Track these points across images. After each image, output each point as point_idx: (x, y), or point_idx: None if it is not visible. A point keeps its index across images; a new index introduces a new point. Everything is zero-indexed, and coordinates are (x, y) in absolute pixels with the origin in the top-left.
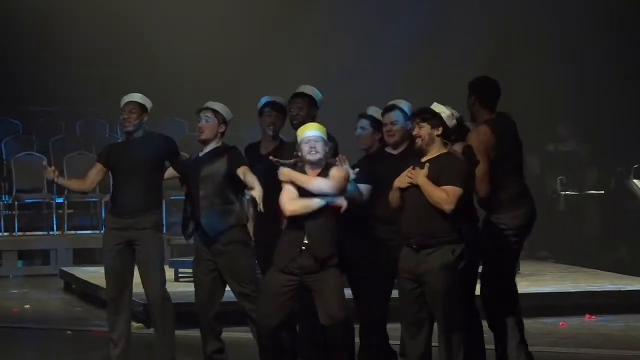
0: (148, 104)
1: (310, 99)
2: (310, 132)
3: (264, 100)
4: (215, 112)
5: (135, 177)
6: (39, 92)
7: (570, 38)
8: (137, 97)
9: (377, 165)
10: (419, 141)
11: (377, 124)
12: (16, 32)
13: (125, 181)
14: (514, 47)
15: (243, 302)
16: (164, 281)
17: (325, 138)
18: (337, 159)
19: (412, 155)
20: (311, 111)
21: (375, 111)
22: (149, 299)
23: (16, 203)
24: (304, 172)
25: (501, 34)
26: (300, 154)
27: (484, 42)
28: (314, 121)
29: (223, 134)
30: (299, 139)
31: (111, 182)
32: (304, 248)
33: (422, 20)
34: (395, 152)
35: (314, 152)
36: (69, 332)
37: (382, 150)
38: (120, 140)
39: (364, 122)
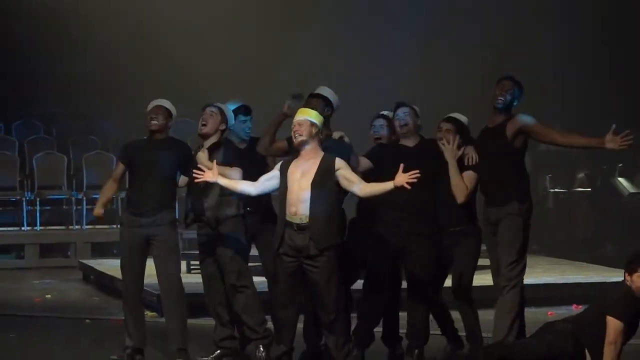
0: (173, 110)
1: (325, 100)
2: (296, 116)
3: None
4: (220, 109)
5: (154, 176)
6: (59, 95)
7: (562, 50)
8: (164, 102)
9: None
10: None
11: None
12: (36, 37)
13: (144, 180)
14: (509, 52)
15: (230, 292)
16: (179, 273)
17: (314, 121)
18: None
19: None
20: (324, 112)
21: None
22: (162, 289)
23: (38, 199)
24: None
25: (497, 40)
26: None
27: (478, 49)
28: (327, 122)
29: (222, 132)
30: None
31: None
32: (299, 229)
33: (423, 23)
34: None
35: (297, 135)
36: (88, 321)
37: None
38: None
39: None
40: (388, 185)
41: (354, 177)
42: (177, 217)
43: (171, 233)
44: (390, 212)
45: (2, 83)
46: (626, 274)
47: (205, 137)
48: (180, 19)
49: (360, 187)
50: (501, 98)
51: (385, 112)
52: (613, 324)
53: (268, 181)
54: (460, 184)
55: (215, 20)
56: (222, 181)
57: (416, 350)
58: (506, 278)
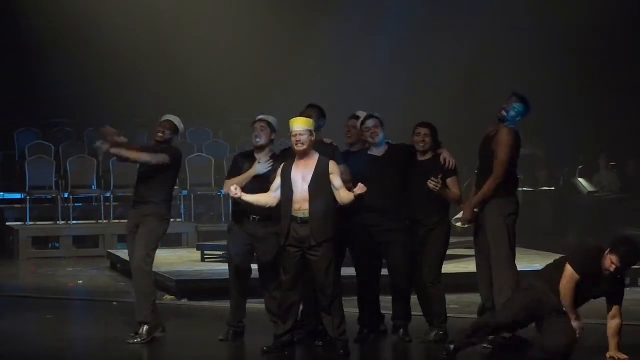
0: (180, 125)
1: (320, 111)
2: (296, 127)
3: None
4: (268, 122)
5: (142, 176)
6: (89, 109)
7: (534, 66)
8: (173, 118)
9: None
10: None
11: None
12: (69, 55)
13: (139, 179)
14: (485, 68)
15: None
16: (143, 255)
17: (310, 129)
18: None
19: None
20: (318, 121)
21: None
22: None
23: (71, 197)
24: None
25: (474, 55)
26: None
27: (460, 60)
28: (319, 129)
29: (273, 140)
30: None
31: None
32: (302, 222)
33: (405, 39)
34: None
35: (299, 145)
36: (115, 303)
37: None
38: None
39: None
40: (352, 196)
41: (338, 183)
42: (161, 211)
43: (148, 223)
44: (369, 214)
45: (48, 97)
46: (608, 249)
47: (262, 149)
48: (200, 40)
49: (340, 194)
50: (504, 112)
51: (358, 113)
52: (569, 271)
53: (277, 190)
54: (452, 194)
55: (233, 37)
56: (246, 198)
57: (401, 330)
58: (501, 280)
